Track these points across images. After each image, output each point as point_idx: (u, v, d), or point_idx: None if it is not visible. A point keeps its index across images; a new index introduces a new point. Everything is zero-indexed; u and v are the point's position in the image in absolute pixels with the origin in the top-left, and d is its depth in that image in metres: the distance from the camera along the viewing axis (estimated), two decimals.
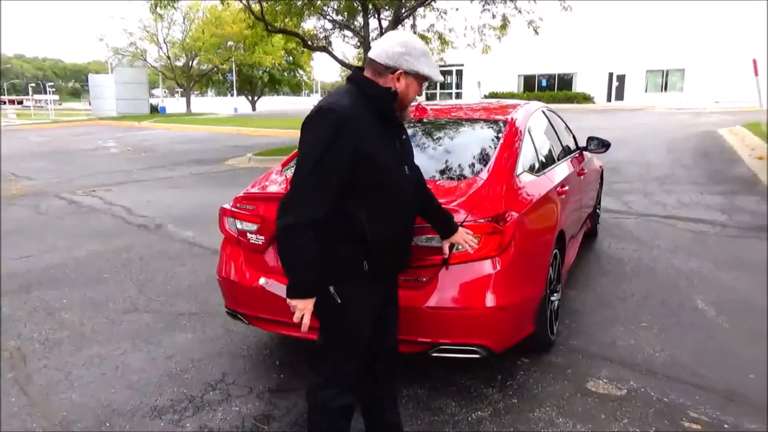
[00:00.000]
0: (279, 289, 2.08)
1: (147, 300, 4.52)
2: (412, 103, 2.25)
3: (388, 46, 2.05)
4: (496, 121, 3.62)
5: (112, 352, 3.64)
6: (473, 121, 3.73)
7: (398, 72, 2.04)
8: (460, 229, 2.54)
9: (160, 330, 3.95)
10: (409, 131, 3.66)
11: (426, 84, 2.20)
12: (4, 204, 8.66)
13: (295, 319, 1.99)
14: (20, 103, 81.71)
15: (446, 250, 2.56)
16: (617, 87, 38.09)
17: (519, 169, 3.23)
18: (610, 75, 37.89)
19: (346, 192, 1.97)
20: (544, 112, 4.39)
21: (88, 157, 15.36)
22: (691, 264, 5.07)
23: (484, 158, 3.20)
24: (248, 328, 3.63)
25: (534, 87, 39.94)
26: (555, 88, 38.93)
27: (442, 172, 3.14)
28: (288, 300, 1.99)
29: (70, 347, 3.71)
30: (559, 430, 2.69)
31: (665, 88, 37.21)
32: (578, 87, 38.19)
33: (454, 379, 3.18)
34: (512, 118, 3.61)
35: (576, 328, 3.80)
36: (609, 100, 37.63)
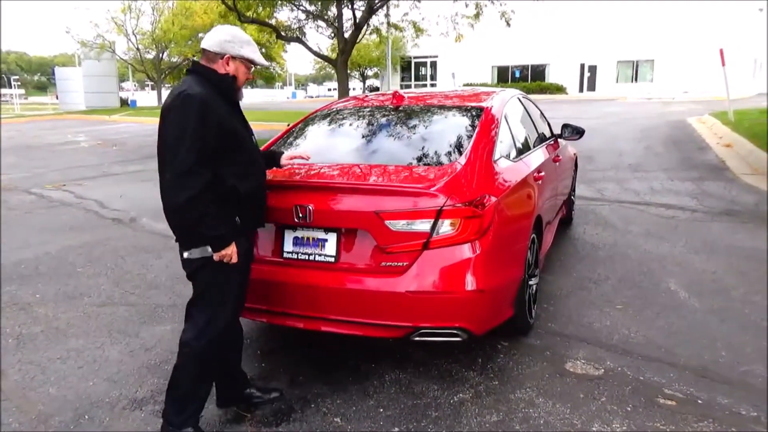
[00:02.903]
0: (204, 250, 2.37)
1: (123, 293, 4.46)
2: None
3: (216, 37, 2.47)
4: (472, 108, 3.64)
5: (89, 345, 3.58)
6: (450, 108, 3.75)
7: (226, 57, 2.45)
8: (285, 152, 2.99)
9: (138, 322, 3.90)
10: (386, 118, 3.68)
11: (252, 68, 2.58)
12: None
13: (226, 260, 2.38)
14: None
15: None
16: (589, 78, 38.59)
17: (496, 155, 3.25)
18: (582, 66, 38.36)
19: (214, 160, 2.33)
20: (519, 99, 4.43)
21: (57, 151, 15.00)
22: (663, 248, 5.18)
23: (461, 144, 3.22)
24: None
25: (508, 78, 40.23)
26: (528, 79, 39.26)
27: (419, 159, 3.15)
28: (217, 254, 2.36)
29: (45, 342, 3.64)
30: (539, 411, 2.74)
31: (636, 79, 37.82)
32: (551, 78, 38.59)
33: (436, 363, 3.21)
34: (489, 105, 3.63)
35: (553, 312, 3.86)
36: (581, 90, 38.13)
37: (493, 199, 2.89)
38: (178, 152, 2.24)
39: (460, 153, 3.12)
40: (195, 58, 2.59)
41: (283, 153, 2.98)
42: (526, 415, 2.71)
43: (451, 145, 3.25)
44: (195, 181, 2.24)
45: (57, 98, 41.81)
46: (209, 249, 2.37)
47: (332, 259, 2.85)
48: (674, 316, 3.75)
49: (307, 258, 2.90)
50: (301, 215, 2.84)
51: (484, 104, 3.65)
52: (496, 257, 2.87)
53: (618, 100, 28.06)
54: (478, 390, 2.94)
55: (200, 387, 2.51)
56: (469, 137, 3.25)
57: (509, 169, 3.33)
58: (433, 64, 41.87)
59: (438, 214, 2.68)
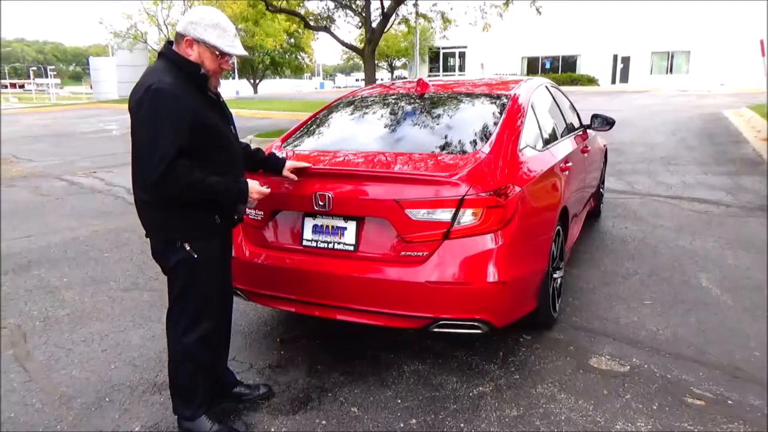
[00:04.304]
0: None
1: (147, 279, 4.50)
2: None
3: (184, 17, 2.27)
4: (498, 96, 3.55)
5: (113, 329, 3.62)
6: (475, 96, 3.66)
7: (186, 39, 2.21)
8: (288, 161, 2.84)
9: (160, 308, 3.93)
10: (411, 106, 3.62)
11: (229, 59, 2.32)
12: (5, 185, 8.64)
13: (261, 197, 2.44)
14: (21, 86, 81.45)
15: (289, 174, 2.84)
16: (622, 69, 37.69)
17: (522, 144, 3.17)
18: (615, 57, 37.46)
19: (189, 157, 2.16)
20: (547, 87, 4.32)
21: (89, 139, 15.30)
22: (695, 243, 5.02)
23: (485, 133, 3.14)
24: (249, 304, 3.61)
25: (537, 69, 39.55)
26: (559, 71, 38.52)
27: (442, 147, 3.08)
28: (248, 203, 2.41)
29: (71, 325, 3.70)
30: (560, 406, 2.67)
31: (670, 71, 36.80)
32: (582, 69, 37.80)
33: (456, 354, 3.16)
34: (515, 93, 3.54)
35: (579, 306, 3.77)
36: (613, 82, 37.28)
37: (517, 188, 2.82)
38: (155, 155, 2.07)
39: (485, 141, 3.04)
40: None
41: (286, 162, 2.83)
42: (547, 410, 2.65)
43: (475, 133, 3.17)
44: (180, 170, 2.10)
45: (91, 88, 42.71)
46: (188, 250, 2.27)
47: (351, 248, 2.81)
48: (705, 313, 3.62)
49: (326, 246, 2.87)
50: (320, 203, 2.80)
51: (510, 92, 3.56)
52: (519, 248, 2.79)
53: (651, 92, 27.33)
54: (498, 383, 2.88)
55: (198, 379, 2.46)
56: (494, 125, 3.16)
57: (535, 158, 3.24)
58: (462, 55, 41.42)
59: (459, 204, 2.62)
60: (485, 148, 2.95)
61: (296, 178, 2.85)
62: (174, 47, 2.27)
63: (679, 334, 3.36)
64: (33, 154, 12.24)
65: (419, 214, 2.64)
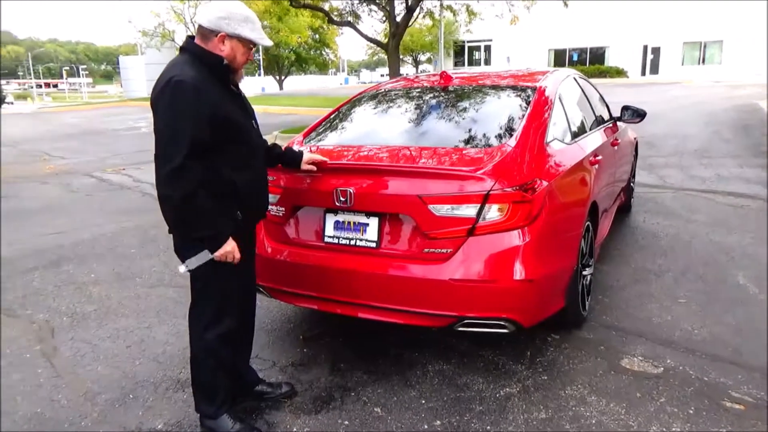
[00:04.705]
0: (204, 256, 2.23)
1: (172, 275, 4.52)
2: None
3: (211, 13, 2.20)
4: (524, 88, 3.45)
5: (138, 325, 3.64)
6: (501, 88, 3.56)
7: (220, 35, 2.19)
8: (305, 153, 2.80)
9: (185, 304, 3.86)
10: (434, 99, 3.54)
11: (254, 49, 2.35)
12: (37, 182, 8.82)
13: (229, 259, 2.25)
14: (55, 86, 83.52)
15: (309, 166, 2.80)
16: (652, 60, 36.80)
17: (549, 137, 3.06)
18: (645, 48, 36.59)
19: (209, 152, 2.15)
20: (575, 79, 4.19)
21: (119, 137, 15.56)
22: (731, 238, 4.84)
23: (511, 126, 3.05)
24: (272, 301, 3.59)
25: (565, 62, 38.87)
26: (587, 63, 37.80)
27: (466, 140, 3.00)
28: (216, 254, 2.22)
29: (97, 320, 3.73)
30: (591, 409, 2.58)
31: (703, 61, 35.80)
32: (611, 61, 37.02)
33: (482, 354, 3.09)
34: (542, 85, 3.44)
35: (609, 304, 3.65)
36: (643, 74, 36.42)
37: (545, 183, 2.72)
38: (169, 146, 2.07)
39: (510, 135, 2.95)
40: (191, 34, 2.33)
41: (304, 155, 2.80)
42: (576, 413, 2.56)
43: (500, 127, 3.08)
44: (189, 178, 2.07)
45: (121, 86, 43.52)
46: (206, 254, 2.22)
47: (373, 245, 2.76)
48: (743, 313, 3.47)
49: (348, 243, 2.82)
50: (342, 199, 2.75)
51: (536, 84, 3.45)
52: (547, 245, 2.70)
53: (683, 84, 26.64)
54: (525, 385, 2.80)
55: (220, 376, 2.44)
56: (520, 118, 3.07)
57: (563, 151, 3.14)
58: (487, 48, 40.96)
59: (485, 199, 2.54)
60: (511, 142, 2.86)
61: (315, 169, 2.81)
62: (198, 42, 2.24)
63: (716, 334, 3.22)
64: (65, 152, 12.50)
65: (443, 209, 2.57)
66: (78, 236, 5.72)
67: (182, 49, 2.28)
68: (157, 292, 4.21)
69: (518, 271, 2.57)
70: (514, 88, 3.51)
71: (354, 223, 2.81)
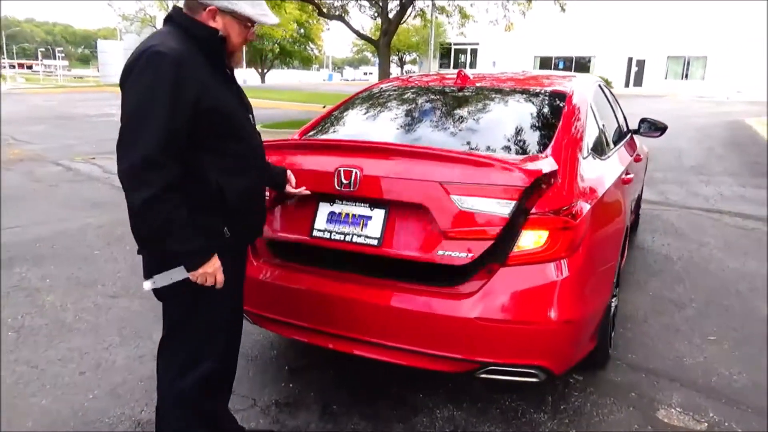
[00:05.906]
0: (177, 273, 1.75)
1: (139, 283, 4.00)
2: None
3: None
4: (553, 94, 3.03)
5: (95, 345, 3.14)
6: (525, 92, 3.13)
7: (210, 8, 1.73)
8: (288, 173, 2.29)
9: (152, 321, 3.43)
10: (451, 102, 3.11)
11: (253, 27, 1.85)
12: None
13: (209, 282, 1.76)
14: (30, 67, 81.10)
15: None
16: (636, 72, 37.06)
17: (584, 152, 2.66)
18: (630, 60, 36.83)
19: (191, 149, 1.68)
20: (601, 87, 3.80)
21: (92, 123, 14.83)
22: (749, 264, 4.52)
23: (543, 137, 2.63)
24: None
25: (550, 69, 38.93)
26: (572, 71, 37.91)
27: (491, 149, 2.57)
28: (192, 274, 1.73)
29: (48, 338, 3.21)
30: None
31: (686, 76, 36.17)
32: (596, 71, 37.12)
33: (497, 399, 2.67)
34: (572, 92, 3.02)
35: (632, 339, 3.27)
36: (627, 85, 36.64)
37: (587, 206, 2.31)
38: (135, 133, 1.60)
39: (543, 148, 2.53)
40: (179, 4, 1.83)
41: (287, 173, 2.30)
42: None
43: (528, 138, 2.67)
44: (157, 176, 1.59)
45: (98, 71, 42.24)
46: (181, 272, 1.74)
47: (374, 242, 2.23)
48: None
49: (341, 239, 2.31)
50: (345, 181, 2.25)
51: (566, 90, 3.04)
52: (587, 279, 2.29)
53: (667, 97, 26.71)
54: None
55: (195, 429, 1.97)
56: (553, 127, 2.65)
57: (599, 169, 2.73)
58: (474, 52, 40.81)
59: (522, 195, 2.09)
60: (544, 154, 2.44)
61: (309, 193, 2.34)
62: (186, 12, 1.77)
63: (758, 381, 2.85)
64: (32, 137, 11.78)
65: (468, 202, 2.10)
66: (36, 232, 5.15)
67: (167, 19, 1.80)
68: (120, 303, 3.70)
69: (556, 311, 2.14)
70: (540, 93, 3.08)
71: (353, 215, 2.32)
